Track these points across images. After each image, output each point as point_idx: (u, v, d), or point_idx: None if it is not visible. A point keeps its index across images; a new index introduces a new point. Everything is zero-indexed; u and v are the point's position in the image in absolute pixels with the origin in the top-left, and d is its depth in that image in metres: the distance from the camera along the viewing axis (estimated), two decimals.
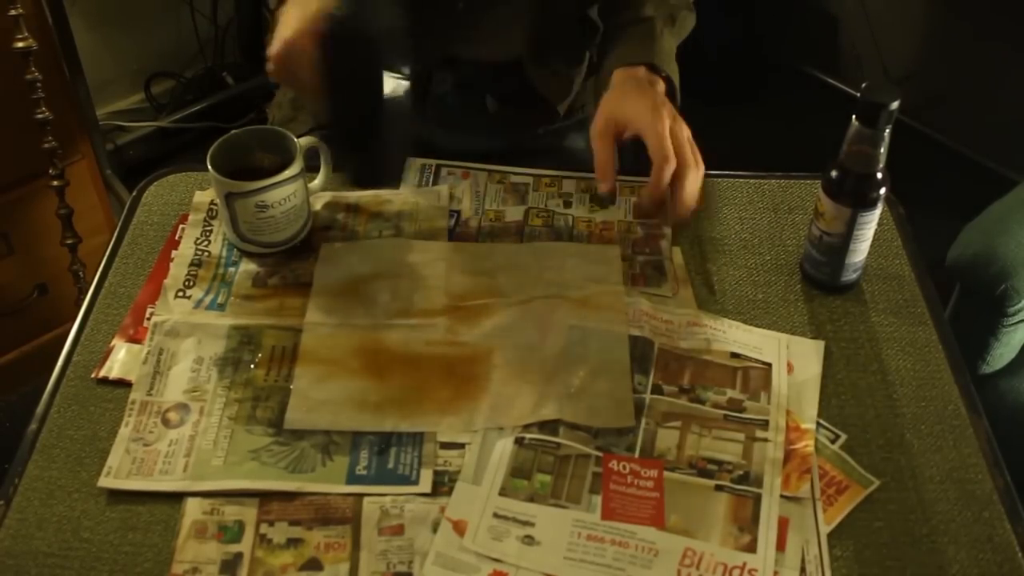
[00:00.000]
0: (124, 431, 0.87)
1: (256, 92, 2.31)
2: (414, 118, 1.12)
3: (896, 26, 2.43)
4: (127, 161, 2.30)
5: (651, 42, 1.10)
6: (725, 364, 0.94)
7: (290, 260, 1.03)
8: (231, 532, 0.81)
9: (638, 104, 1.02)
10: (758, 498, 0.84)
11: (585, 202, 1.10)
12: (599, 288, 0.99)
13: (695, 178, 0.98)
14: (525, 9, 1.16)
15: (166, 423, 0.88)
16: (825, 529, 0.82)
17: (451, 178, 1.13)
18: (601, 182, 1.02)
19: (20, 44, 1.57)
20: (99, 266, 1.04)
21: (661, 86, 1.07)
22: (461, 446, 0.87)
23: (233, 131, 1.03)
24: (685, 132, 1.00)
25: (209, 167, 0.98)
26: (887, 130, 0.90)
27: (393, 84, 0.94)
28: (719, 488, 0.84)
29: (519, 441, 0.87)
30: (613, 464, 0.86)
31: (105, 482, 0.84)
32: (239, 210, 0.99)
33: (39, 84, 1.62)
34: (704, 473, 0.85)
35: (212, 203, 1.09)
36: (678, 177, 0.98)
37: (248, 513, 0.82)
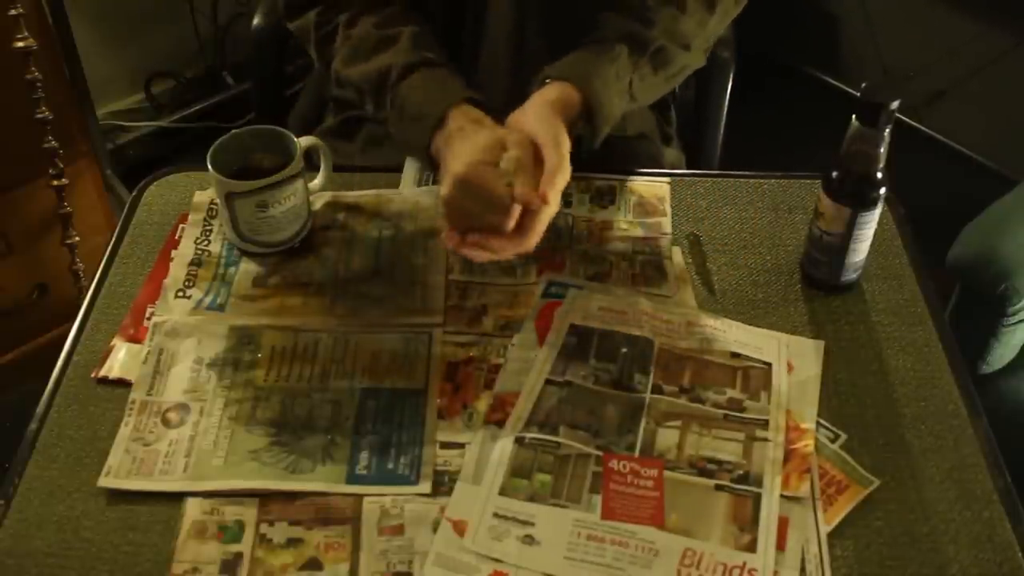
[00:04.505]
0: (124, 431, 0.87)
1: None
2: None
3: (896, 26, 2.43)
4: (127, 161, 2.29)
5: (594, 63, 1.02)
6: (725, 364, 0.94)
7: (290, 260, 1.03)
8: (231, 532, 0.81)
9: (543, 128, 0.95)
10: (758, 498, 0.84)
11: (585, 202, 1.10)
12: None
13: (545, 219, 0.93)
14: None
15: (166, 423, 0.88)
16: (825, 529, 0.82)
17: None
18: None
19: (20, 44, 1.57)
20: (99, 266, 1.04)
21: (576, 113, 1.00)
22: (461, 446, 0.87)
23: (233, 131, 1.03)
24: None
25: (209, 167, 0.98)
26: (887, 130, 0.90)
27: None
28: (719, 488, 0.85)
29: (519, 441, 0.87)
30: (613, 464, 0.86)
31: (105, 482, 0.84)
32: (239, 210, 0.99)
33: (39, 84, 1.62)
34: (704, 473, 0.85)
35: (212, 203, 1.09)
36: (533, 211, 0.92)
37: (248, 513, 0.82)
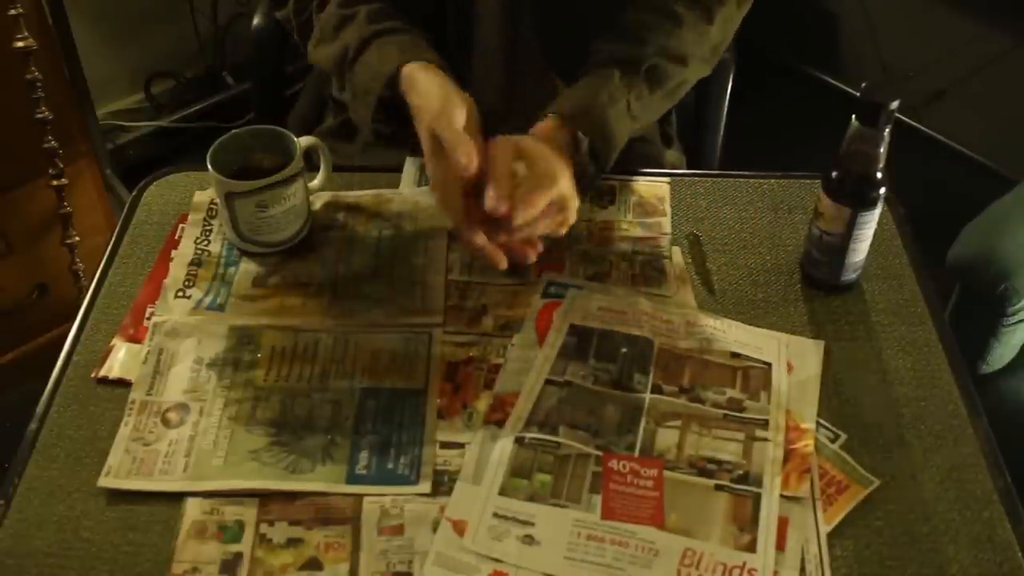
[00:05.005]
0: (124, 431, 0.87)
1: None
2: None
3: (896, 25, 2.43)
4: (127, 161, 2.29)
5: (585, 90, 1.02)
6: (725, 364, 0.94)
7: (290, 260, 1.03)
8: (231, 532, 0.81)
9: (550, 161, 0.95)
10: (758, 498, 0.84)
11: (585, 202, 1.10)
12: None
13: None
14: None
15: (166, 423, 0.88)
16: (825, 529, 0.82)
17: None
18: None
19: (20, 44, 1.57)
20: (99, 266, 1.04)
21: (568, 144, 1.00)
22: (461, 446, 0.87)
23: (233, 131, 1.03)
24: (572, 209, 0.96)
25: (209, 167, 0.98)
26: (887, 130, 0.90)
27: None
28: (719, 488, 0.85)
29: (519, 441, 0.87)
30: (613, 463, 0.86)
31: (105, 482, 0.84)
32: (239, 210, 0.99)
33: (39, 84, 1.62)
34: (704, 473, 0.85)
35: (212, 203, 1.09)
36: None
37: (248, 513, 0.82)
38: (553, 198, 0.94)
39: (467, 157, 0.92)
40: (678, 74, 1.07)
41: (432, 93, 0.98)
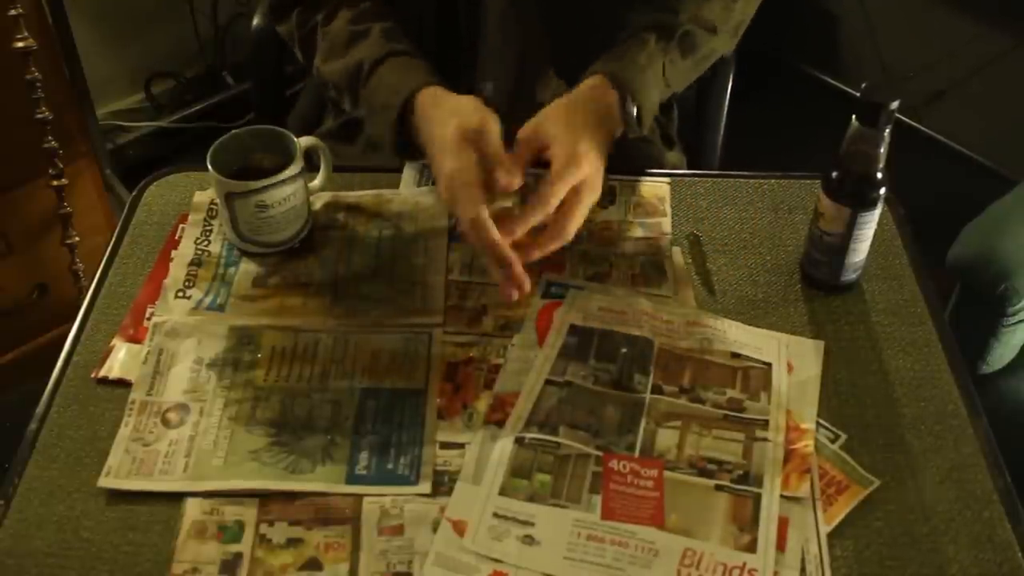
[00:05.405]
0: (124, 431, 0.87)
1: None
2: None
3: (896, 25, 2.43)
4: (127, 161, 2.30)
5: (623, 53, 1.04)
6: (725, 364, 0.94)
7: (290, 260, 1.03)
8: (231, 532, 0.81)
9: (567, 138, 0.96)
10: (758, 498, 0.84)
11: None
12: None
13: (552, 239, 0.95)
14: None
15: (166, 423, 0.88)
16: (825, 529, 0.82)
17: None
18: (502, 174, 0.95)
19: (20, 44, 1.58)
20: (99, 266, 1.04)
21: (611, 103, 1.02)
22: (461, 446, 0.87)
23: (233, 131, 1.03)
24: (588, 198, 0.96)
25: (209, 167, 0.98)
26: (887, 130, 0.90)
27: None
28: (719, 488, 0.84)
29: (519, 441, 0.87)
30: (613, 464, 0.86)
31: (105, 482, 0.84)
32: (239, 210, 0.99)
33: (39, 84, 1.62)
34: (704, 473, 0.85)
35: (212, 203, 1.09)
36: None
37: (248, 513, 0.82)
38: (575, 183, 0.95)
39: (506, 177, 0.93)
40: (708, 42, 1.10)
41: (466, 105, 0.99)
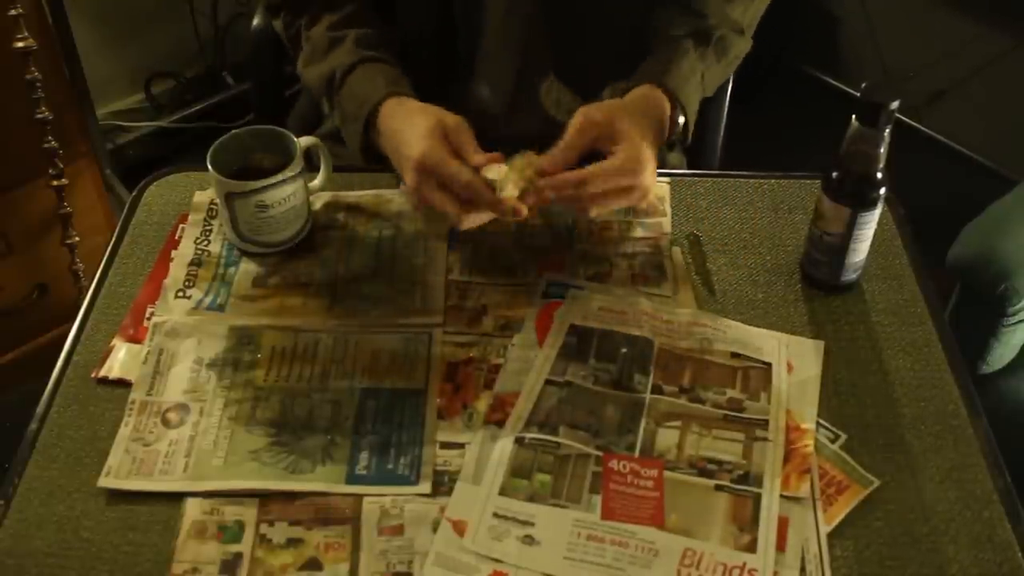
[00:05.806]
0: (124, 431, 0.87)
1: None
2: None
3: (896, 26, 2.43)
4: (127, 161, 2.30)
5: (668, 62, 1.06)
6: (725, 364, 0.94)
7: (290, 260, 1.03)
8: (231, 532, 0.81)
9: (637, 140, 0.96)
10: (758, 498, 0.84)
11: None
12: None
13: (570, 201, 0.95)
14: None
15: (166, 423, 0.88)
16: (825, 529, 0.82)
17: None
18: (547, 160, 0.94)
19: (20, 44, 1.57)
20: (99, 266, 1.04)
21: (666, 112, 1.03)
22: (461, 446, 0.87)
23: (233, 131, 1.03)
24: (629, 202, 0.97)
25: (209, 167, 0.98)
26: (887, 130, 0.90)
27: None
28: (719, 488, 0.84)
29: (519, 441, 0.87)
30: (613, 464, 0.86)
31: (105, 482, 0.84)
32: (239, 210, 0.99)
33: (39, 84, 1.62)
34: (704, 473, 0.85)
35: (212, 203, 1.09)
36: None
37: (248, 513, 0.82)
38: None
39: (513, 214, 0.92)
40: (738, 45, 1.12)
41: (433, 108, 0.99)
